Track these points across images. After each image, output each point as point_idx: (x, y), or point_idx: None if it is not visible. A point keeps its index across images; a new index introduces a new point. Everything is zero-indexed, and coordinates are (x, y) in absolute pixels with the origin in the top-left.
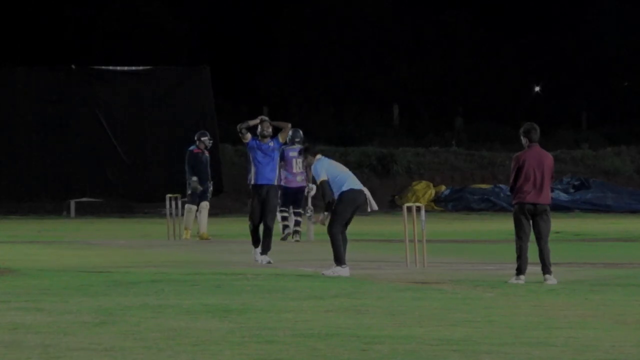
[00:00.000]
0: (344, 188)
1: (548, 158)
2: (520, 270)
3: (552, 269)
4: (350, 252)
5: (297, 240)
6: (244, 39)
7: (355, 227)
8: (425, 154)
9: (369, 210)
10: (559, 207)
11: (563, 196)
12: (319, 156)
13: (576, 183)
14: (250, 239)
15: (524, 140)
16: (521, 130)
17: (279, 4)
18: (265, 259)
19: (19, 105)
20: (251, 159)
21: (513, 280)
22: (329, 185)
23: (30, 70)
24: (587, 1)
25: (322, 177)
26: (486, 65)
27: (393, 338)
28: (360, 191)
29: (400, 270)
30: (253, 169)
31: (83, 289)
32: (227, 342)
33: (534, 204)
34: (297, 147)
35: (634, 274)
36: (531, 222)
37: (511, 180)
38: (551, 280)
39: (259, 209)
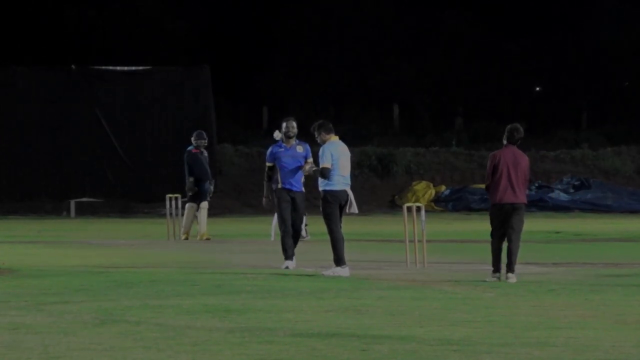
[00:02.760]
0: (328, 187)
1: (524, 159)
2: (497, 268)
3: (552, 268)
4: (350, 252)
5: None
6: (244, 39)
7: (356, 227)
8: (425, 154)
9: (347, 211)
10: (559, 207)
11: (563, 196)
12: (333, 137)
13: (576, 183)
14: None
15: (504, 138)
16: (507, 127)
17: (279, 4)
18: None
19: (19, 105)
20: (277, 163)
21: (490, 277)
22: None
23: (30, 70)
24: (587, 1)
25: (327, 163)
26: (486, 65)
27: (393, 338)
28: (344, 191)
29: (400, 270)
30: (279, 173)
31: (83, 289)
32: (227, 342)
33: (511, 204)
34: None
35: (634, 274)
36: (504, 220)
37: (487, 179)
38: (512, 279)
39: (289, 212)
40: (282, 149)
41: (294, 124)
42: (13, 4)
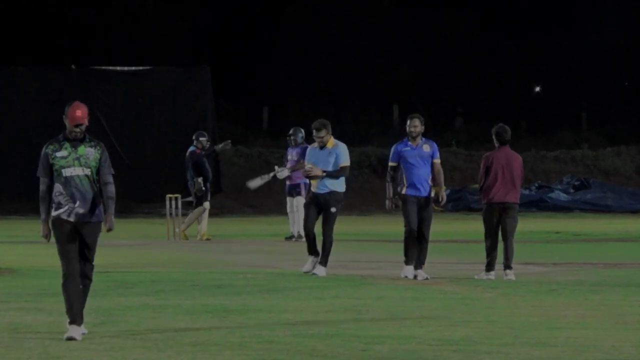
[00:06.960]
0: (341, 189)
1: (517, 159)
2: (490, 267)
3: (554, 268)
4: (351, 252)
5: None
6: (244, 39)
7: (356, 227)
8: None
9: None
10: (559, 207)
11: (563, 196)
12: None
13: (576, 183)
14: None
15: (495, 141)
16: (492, 130)
17: (279, 4)
18: (421, 274)
19: (19, 105)
20: (402, 164)
21: (483, 276)
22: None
23: (30, 70)
24: (587, 1)
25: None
26: (486, 65)
27: (393, 338)
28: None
29: (400, 270)
30: (404, 174)
31: None
32: (227, 342)
33: (503, 203)
34: (304, 145)
35: (634, 274)
36: (498, 219)
37: (480, 180)
38: (510, 275)
39: (415, 215)
40: (409, 148)
41: (418, 121)
42: (13, 4)
